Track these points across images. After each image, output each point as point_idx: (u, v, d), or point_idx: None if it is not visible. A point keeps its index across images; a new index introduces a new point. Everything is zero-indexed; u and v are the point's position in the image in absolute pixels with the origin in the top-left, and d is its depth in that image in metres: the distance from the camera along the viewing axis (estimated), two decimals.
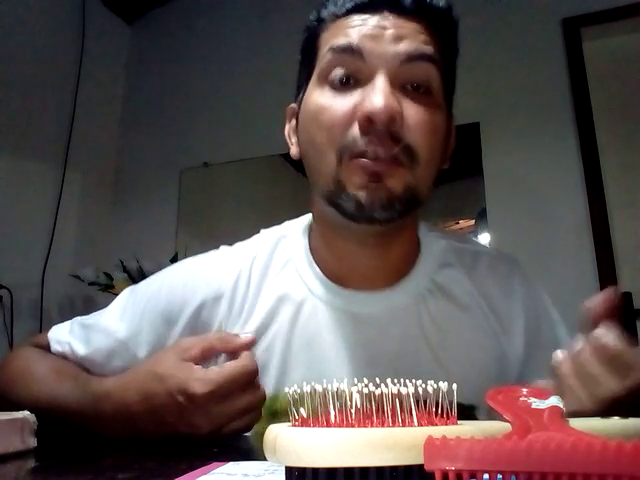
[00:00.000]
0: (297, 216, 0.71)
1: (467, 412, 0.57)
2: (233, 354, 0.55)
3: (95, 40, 2.47)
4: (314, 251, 0.64)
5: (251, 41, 2.46)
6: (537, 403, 0.30)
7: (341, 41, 0.54)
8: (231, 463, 0.37)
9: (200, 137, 2.48)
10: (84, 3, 2.43)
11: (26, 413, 0.48)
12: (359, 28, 0.54)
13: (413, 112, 0.53)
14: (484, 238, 1.98)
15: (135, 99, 2.68)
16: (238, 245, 0.70)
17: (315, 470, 0.25)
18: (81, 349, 0.65)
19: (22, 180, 2.12)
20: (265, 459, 0.29)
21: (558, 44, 2.04)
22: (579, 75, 1.98)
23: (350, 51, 0.54)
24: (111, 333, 0.65)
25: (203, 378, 0.50)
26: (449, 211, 2.08)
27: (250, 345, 0.56)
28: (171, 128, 2.54)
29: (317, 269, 0.63)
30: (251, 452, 0.39)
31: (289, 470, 0.27)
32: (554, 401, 0.30)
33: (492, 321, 0.64)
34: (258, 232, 0.72)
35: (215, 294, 0.64)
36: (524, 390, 0.32)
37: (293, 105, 0.65)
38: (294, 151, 0.63)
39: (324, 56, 0.56)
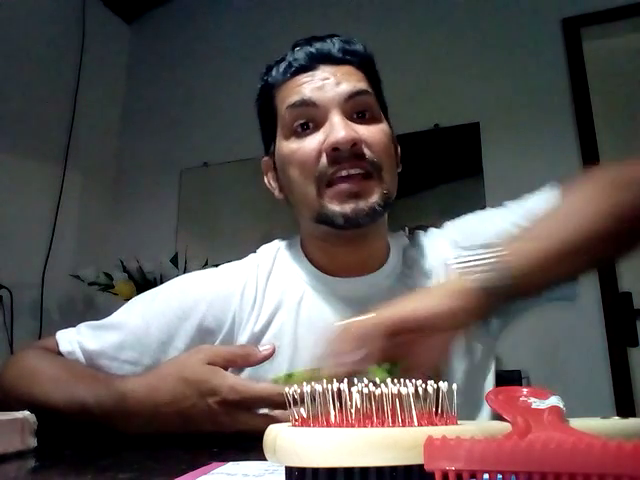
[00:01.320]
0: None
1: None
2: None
3: (95, 40, 2.47)
4: (308, 255, 0.75)
5: (251, 41, 2.46)
6: (537, 403, 0.30)
7: (295, 98, 0.67)
8: (231, 463, 0.37)
9: (200, 137, 2.48)
10: (84, 3, 2.43)
11: (26, 413, 0.48)
12: (306, 85, 0.68)
13: (368, 133, 0.66)
14: None
15: (135, 99, 2.68)
16: (239, 261, 0.79)
17: (315, 470, 0.25)
18: (91, 344, 0.68)
19: (22, 180, 2.12)
20: (265, 459, 0.29)
21: (558, 44, 2.04)
22: (579, 75, 1.98)
23: (305, 104, 0.67)
24: (121, 326, 0.70)
25: (235, 386, 0.53)
26: (449, 211, 2.07)
27: (269, 356, 0.58)
28: (171, 128, 2.55)
29: (312, 267, 0.73)
30: (251, 452, 0.39)
31: (289, 470, 0.27)
32: (554, 401, 0.30)
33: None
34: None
35: (226, 293, 0.72)
36: (524, 390, 0.32)
37: (266, 159, 0.77)
38: (277, 194, 0.75)
39: (284, 113, 0.69)
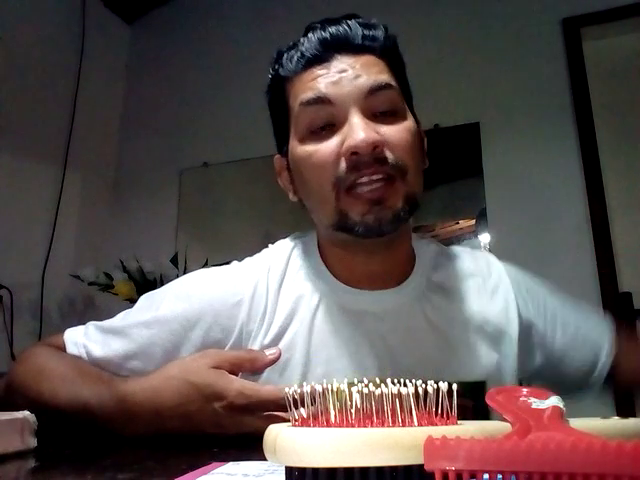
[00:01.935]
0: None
1: (479, 386, 0.63)
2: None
3: (95, 40, 2.47)
4: (325, 259, 0.69)
5: (251, 41, 2.46)
6: (537, 403, 0.30)
7: (309, 95, 0.61)
8: (231, 463, 0.37)
9: (200, 137, 2.48)
10: (84, 3, 2.43)
11: (26, 413, 0.48)
12: (321, 78, 0.61)
13: (391, 133, 0.60)
14: (484, 238, 1.98)
15: (135, 99, 2.68)
16: (250, 259, 0.74)
17: (315, 470, 0.25)
18: (97, 350, 0.66)
19: (22, 180, 2.12)
20: (265, 459, 0.29)
21: (558, 44, 2.04)
22: (579, 75, 1.98)
23: (320, 101, 0.61)
24: (127, 335, 0.67)
25: (241, 390, 0.52)
26: (449, 211, 2.08)
27: (276, 361, 0.58)
28: (171, 128, 2.54)
29: (329, 275, 0.68)
30: (251, 452, 0.39)
31: (289, 470, 0.27)
32: (554, 401, 0.30)
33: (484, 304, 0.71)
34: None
35: (234, 300, 0.67)
36: (524, 390, 0.32)
37: (279, 157, 0.70)
38: (292, 197, 0.70)
39: (298, 111, 0.63)
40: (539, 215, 1.92)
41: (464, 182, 2.08)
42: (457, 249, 0.77)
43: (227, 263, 0.75)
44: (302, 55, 0.63)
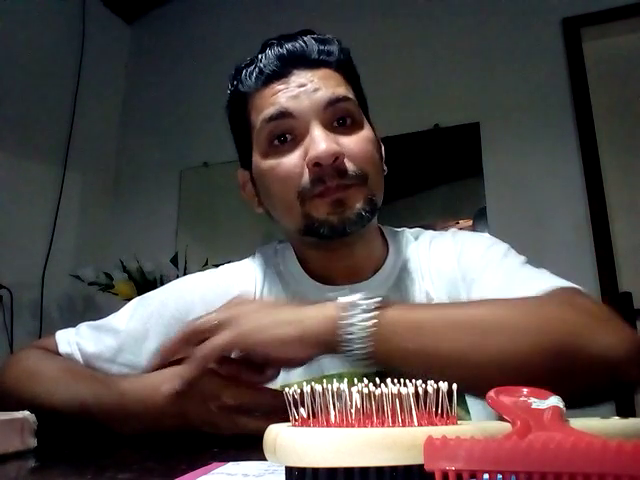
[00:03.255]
0: None
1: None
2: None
3: (95, 40, 2.47)
4: (302, 262, 0.72)
5: (251, 41, 2.45)
6: (537, 403, 0.30)
7: (271, 110, 0.63)
8: (231, 463, 0.37)
9: (200, 137, 2.48)
10: (84, 3, 2.43)
11: (26, 413, 0.48)
12: (281, 93, 0.63)
13: (350, 144, 0.63)
14: None
15: (135, 99, 2.68)
16: (237, 262, 0.78)
17: (315, 470, 0.25)
18: (90, 346, 0.68)
19: (22, 180, 2.12)
20: (265, 459, 0.29)
21: (558, 44, 2.04)
22: (579, 75, 1.98)
23: (282, 115, 0.63)
24: (120, 330, 0.68)
25: (235, 390, 0.53)
26: (449, 211, 2.08)
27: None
28: (171, 128, 2.55)
29: (305, 275, 0.71)
30: (251, 452, 0.39)
31: (289, 470, 0.27)
32: (554, 401, 0.30)
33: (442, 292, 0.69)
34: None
35: (223, 298, 0.67)
36: (524, 390, 0.32)
37: (242, 171, 0.73)
38: (257, 209, 0.73)
39: (260, 127, 0.64)
40: (539, 215, 1.92)
41: (464, 182, 2.08)
42: (424, 233, 0.77)
43: (227, 263, 0.78)
44: (261, 71, 0.66)
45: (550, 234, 1.88)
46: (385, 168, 0.72)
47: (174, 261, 2.00)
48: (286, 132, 0.63)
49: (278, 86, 0.64)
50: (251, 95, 0.67)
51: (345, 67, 0.68)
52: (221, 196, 2.43)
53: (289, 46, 0.65)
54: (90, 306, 2.26)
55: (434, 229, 0.81)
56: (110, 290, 1.99)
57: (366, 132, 0.66)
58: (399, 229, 0.78)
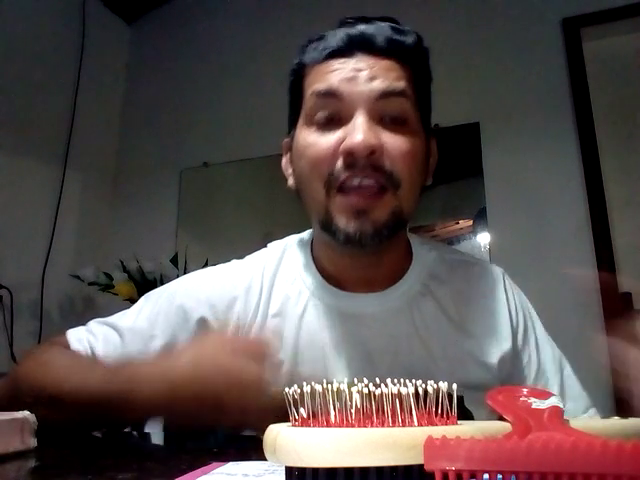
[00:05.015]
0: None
1: (459, 403, 0.60)
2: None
3: (95, 40, 2.46)
4: (316, 260, 0.70)
5: (251, 41, 2.46)
6: (537, 403, 0.30)
7: (322, 86, 0.61)
8: (231, 463, 0.37)
9: (200, 137, 2.48)
10: (84, 3, 2.43)
11: (26, 413, 0.48)
12: (337, 72, 0.61)
13: (392, 142, 0.59)
14: (483, 238, 1.98)
15: (135, 99, 2.68)
16: (249, 257, 0.76)
17: (315, 470, 0.25)
18: (101, 348, 0.67)
19: (22, 180, 2.12)
20: (265, 459, 0.29)
21: (558, 44, 2.04)
22: (579, 75, 1.98)
23: (330, 94, 0.60)
24: (129, 330, 0.68)
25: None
26: (449, 211, 2.07)
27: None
28: (171, 128, 2.54)
29: (319, 275, 0.69)
30: (251, 452, 0.39)
31: (289, 470, 0.27)
32: (554, 401, 0.30)
33: (477, 325, 0.68)
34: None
35: (229, 296, 0.69)
36: (524, 390, 0.32)
37: (287, 139, 0.70)
38: (290, 182, 0.69)
39: (308, 99, 0.63)
40: (539, 215, 1.92)
41: (464, 182, 2.08)
42: (459, 258, 0.75)
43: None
44: (325, 46, 0.63)
45: (550, 234, 1.88)
46: (429, 181, 0.69)
47: (174, 261, 2.00)
48: (330, 112, 0.60)
49: (337, 65, 0.61)
50: (310, 67, 0.65)
51: (416, 64, 0.65)
52: (221, 196, 2.43)
53: (361, 27, 0.62)
54: (90, 306, 2.26)
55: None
56: (110, 290, 1.99)
57: (415, 135, 0.62)
58: (429, 242, 0.76)
